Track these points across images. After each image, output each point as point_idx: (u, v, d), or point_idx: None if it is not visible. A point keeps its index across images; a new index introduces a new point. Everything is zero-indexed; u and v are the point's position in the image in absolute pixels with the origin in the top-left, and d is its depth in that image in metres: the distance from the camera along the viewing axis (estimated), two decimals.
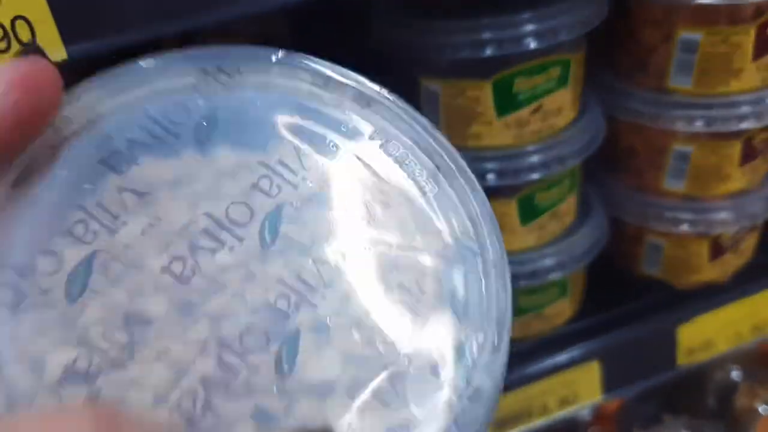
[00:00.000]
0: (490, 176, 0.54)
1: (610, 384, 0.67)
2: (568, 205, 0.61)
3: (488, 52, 0.49)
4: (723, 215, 0.62)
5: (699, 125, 0.57)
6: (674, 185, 0.62)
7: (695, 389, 0.94)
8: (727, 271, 0.67)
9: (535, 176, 0.55)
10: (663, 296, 0.69)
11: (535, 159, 0.55)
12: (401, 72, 0.56)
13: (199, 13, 0.38)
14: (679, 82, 0.57)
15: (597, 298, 0.69)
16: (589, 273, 0.67)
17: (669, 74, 0.57)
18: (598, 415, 0.92)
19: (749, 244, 0.67)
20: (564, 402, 0.67)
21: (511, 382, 0.63)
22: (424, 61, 0.53)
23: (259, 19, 0.43)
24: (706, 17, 0.54)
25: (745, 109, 0.57)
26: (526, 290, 0.61)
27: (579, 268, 0.62)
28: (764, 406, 0.88)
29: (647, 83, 0.59)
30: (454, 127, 0.55)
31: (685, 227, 0.62)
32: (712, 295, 0.68)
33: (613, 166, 0.66)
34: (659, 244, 0.66)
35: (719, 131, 0.57)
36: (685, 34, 0.55)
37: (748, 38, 0.55)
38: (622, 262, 0.71)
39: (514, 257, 0.60)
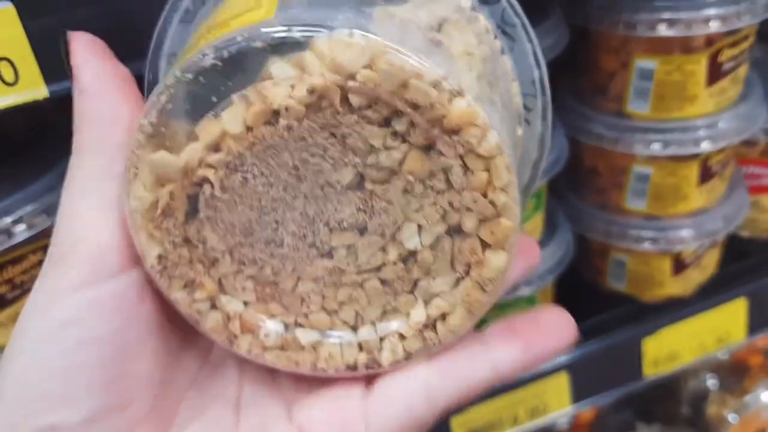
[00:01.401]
0: None
1: (578, 394, 0.70)
2: (535, 224, 0.63)
3: None
4: (683, 233, 0.65)
5: (656, 148, 0.60)
6: (636, 204, 0.65)
7: (669, 398, 0.97)
8: (690, 285, 0.70)
9: None
10: (629, 309, 0.72)
11: None
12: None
13: None
14: (637, 107, 0.60)
15: (566, 310, 0.71)
16: (558, 286, 0.70)
17: (627, 99, 0.60)
18: (575, 424, 0.94)
19: (711, 259, 0.70)
20: (534, 412, 0.69)
21: (480, 394, 0.66)
22: None
23: None
24: (661, 47, 0.57)
25: (700, 133, 0.60)
26: (495, 305, 0.64)
27: (546, 283, 0.64)
28: (733, 414, 0.91)
29: (607, 107, 0.62)
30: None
31: (647, 245, 0.65)
32: (676, 308, 0.71)
33: (578, 185, 0.69)
34: (623, 260, 0.69)
35: (676, 154, 0.60)
36: (641, 63, 0.58)
37: (700, 66, 0.57)
38: (590, 276, 0.73)
39: None
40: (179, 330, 0.29)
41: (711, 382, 0.99)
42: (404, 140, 0.24)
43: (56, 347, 0.24)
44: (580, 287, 0.74)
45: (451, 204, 0.25)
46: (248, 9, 0.25)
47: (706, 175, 0.63)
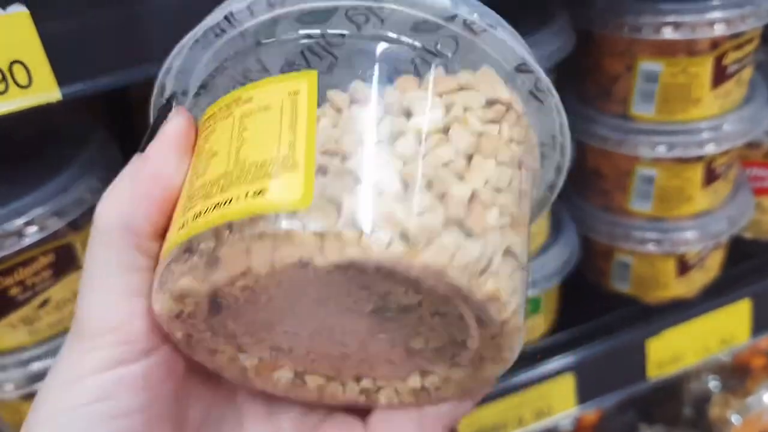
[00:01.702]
0: None
1: (583, 396, 0.70)
2: (540, 226, 0.63)
3: None
4: (688, 234, 0.65)
5: (661, 150, 0.60)
6: (640, 206, 0.65)
7: (672, 399, 0.97)
8: (694, 286, 0.70)
9: None
10: (633, 311, 0.72)
11: None
12: None
13: None
14: (642, 110, 0.61)
15: (570, 312, 0.72)
16: (562, 288, 0.70)
17: (632, 102, 0.61)
18: (579, 426, 0.94)
19: (715, 260, 0.70)
20: (539, 414, 0.69)
21: (486, 396, 0.66)
22: None
23: None
24: (666, 49, 0.57)
25: (705, 135, 0.60)
26: None
27: (551, 285, 0.64)
28: (737, 415, 0.91)
29: (612, 110, 0.62)
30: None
31: (651, 246, 0.65)
32: (680, 310, 0.71)
33: (583, 187, 0.69)
34: (627, 262, 0.69)
35: (681, 156, 0.60)
36: (646, 65, 0.58)
37: (705, 69, 0.58)
38: (594, 277, 0.74)
39: None
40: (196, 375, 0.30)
41: (713, 384, 0.99)
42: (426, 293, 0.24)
43: (83, 421, 0.25)
44: (584, 289, 0.74)
45: (460, 331, 0.26)
46: (272, 166, 0.24)
47: (710, 177, 0.63)
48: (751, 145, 0.71)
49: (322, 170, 0.23)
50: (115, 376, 0.25)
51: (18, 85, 0.39)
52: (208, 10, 0.28)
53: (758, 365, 0.96)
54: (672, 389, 0.97)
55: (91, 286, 0.26)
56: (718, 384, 1.00)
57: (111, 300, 0.26)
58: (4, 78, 0.39)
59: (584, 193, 0.69)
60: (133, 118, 0.66)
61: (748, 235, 0.77)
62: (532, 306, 0.66)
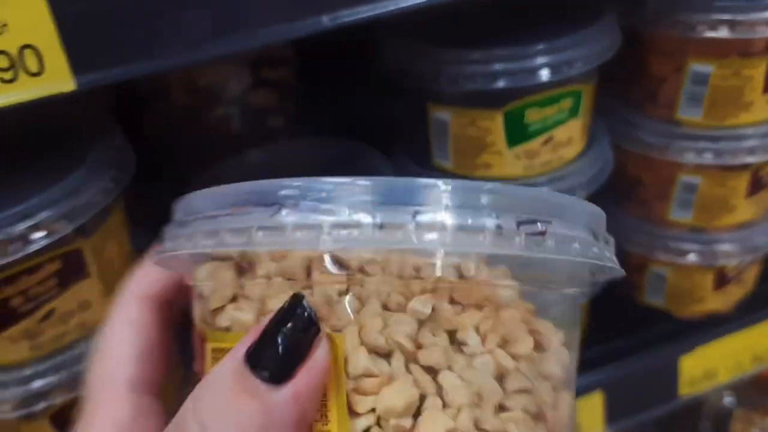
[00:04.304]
0: None
1: (612, 415, 0.66)
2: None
3: (501, 83, 0.49)
4: (728, 246, 0.61)
5: (708, 157, 0.57)
6: (681, 216, 0.62)
7: (690, 416, 0.94)
8: (730, 301, 0.67)
9: None
10: (664, 326, 0.68)
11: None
12: (410, 98, 0.55)
13: (207, 45, 0.36)
14: (689, 114, 0.57)
15: (599, 327, 0.68)
16: (592, 303, 0.66)
17: (679, 105, 0.57)
18: None
19: (752, 274, 0.67)
20: None
21: None
22: (433, 90, 0.52)
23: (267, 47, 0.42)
24: (718, 50, 0.54)
25: (753, 142, 0.56)
26: None
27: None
28: None
29: (656, 114, 0.58)
30: (464, 156, 0.54)
31: (690, 258, 0.62)
32: (712, 325, 0.68)
33: (619, 195, 0.65)
34: (663, 274, 0.65)
35: (728, 164, 0.57)
36: (697, 66, 0.55)
37: (759, 71, 0.54)
38: (625, 291, 0.70)
39: None
40: None
41: (727, 400, 0.97)
42: None
43: None
44: (615, 302, 0.70)
45: None
46: None
47: (755, 187, 0.60)
48: None
49: None
50: None
51: (28, 72, 0.35)
52: None
53: None
54: (691, 406, 0.93)
55: None
56: (733, 400, 0.97)
57: None
58: (13, 64, 0.34)
59: (620, 201, 0.66)
60: (144, 115, 0.61)
61: None
62: None
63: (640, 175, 0.62)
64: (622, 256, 0.64)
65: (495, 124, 0.51)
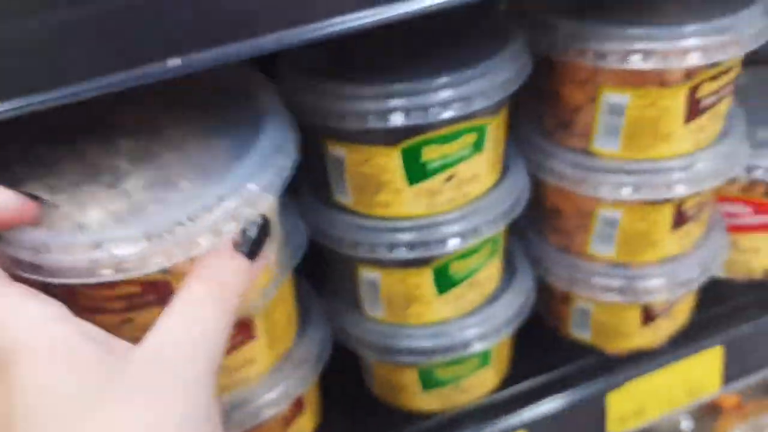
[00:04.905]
0: (401, 248, 0.50)
1: None
2: (489, 272, 0.56)
3: (393, 122, 0.45)
4: (654, 282, 0.58)
5: (626, 192, 0.53)
6: (602, 250, 0.58)
7: None
8: (661, 336, 0.64)
9: (448, 248, 0.50)
10: (592, 361, 0.65)
11: (448, 229, 0.50)
12: (308, 133, 0.51)
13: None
14: (606, 145, 0.53)
15: (524, 362, 0.65)
16: (516, 335, 0.63)
17: (594, 137, 0.54)
18: None
19: (684, 308, 0.64)
20: None
21: None
22: (327, 126, 0.48)
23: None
24: (634, 79, 0.50)
25: (676, 175, 0.53)
26: (444, 363, 0.57)
27: (502, 338, 0.57)
28: None
29: (572, 144, 0.55)
30: (362, 193, 0.50)
31: (613, 295, 0.59)
32: (644, 360, 0.65)
33: (541, 226, 0.62)
34: (587, 309, 0.62)
35: (648, 198, 0.53)
36: (611, 96, 0.51)
37: (678, 101, 0.51)
38: (553, 323, 0.67)
39: (430, 329, 0.55)
40: None
41: (685, 424, 0.94)
42: None
43: None
44: (542, 336, 0.67)
45: None
46: None
47: (680, 220, 0.57)
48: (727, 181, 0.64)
49: None
50: None
51: None
52: None
53: (730, 405, 0.91)
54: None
55: None
56: (690, 424, 0.95)
57: None
58: None
59: (543, 232, 0.62)
60: None
61: (722, 274, 0.71)
62: (482, 359, 0.59)
63: (559, 206, 0.59)
64: (546, 285, 0.61)
65: (391, 161, 0.48)
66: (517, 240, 0.63)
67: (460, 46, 0.50)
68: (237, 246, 0.34)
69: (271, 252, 0.41)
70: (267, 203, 0.36)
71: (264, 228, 0.35)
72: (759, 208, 0.65)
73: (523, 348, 0.65)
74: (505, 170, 0.55)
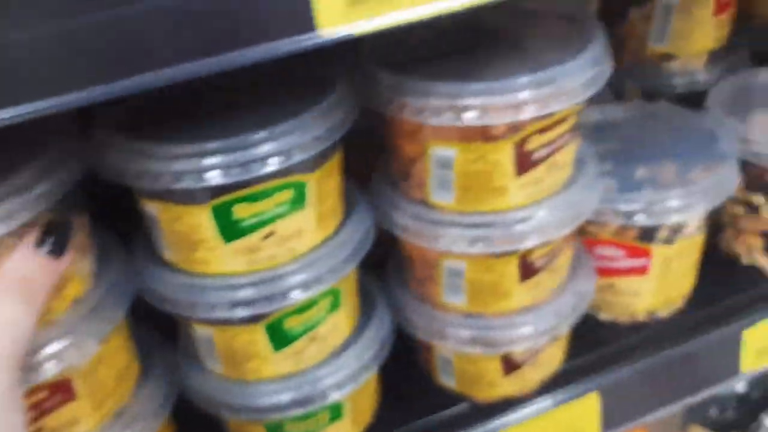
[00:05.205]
0: (223, 306, 0.49)
1: None
2: (333, 325, 0.55)
3: (189, 183, 0.44)
4: (507, 333, 0.57)
5: (463, 245, 0.52)
6: (453, 300, 0.57)
7: None
8: (528, 384, 0.62)
9: (274, 305, 0.49)
10: (465, 408, 0.64)
11: (273, 287, 0.49)
12: (127, 189, 0.50)
13: None
14: (441, 198, 0.53)
15: (393, 410, 0.64)
16: (386, 379, 0.62)
17: (429, 189, 0.53)
18: None
19: (552, 354, 0.63)
20: None
21: None
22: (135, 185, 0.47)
23: None
24: (459, 134, 0.49)
25: (516, 228, 0.52)
26: (289, 419, 0.56)
27: (357, 387, 0.56)
28: None
29: (413, 196, 0.54)
30: (180, 251, 0.49)
31: (468, 346, 0.57)
32: (518, 407, 0.63)
33: (403, 275, 0.61)
34: (449, 358, 0.61)
35: (485, 252, 0.52)
36: (439, 150, 0.50)
37: (505, 155, 0.50)
38: (424, 369, 0.66)
39: (269, 386, 0.54)
40: None
41: None
42: None
43: None
44: (413, 381, 0.66)
45: None
46: None
47: (528, 272, 0.55)
48: (598, 224, 0.63)
49: None
50: None
51: None
52: None
53: None
54: None
55: None
56: None
57: None
58: None
59: (402, 279, 0.61)
60: None
61: (603, 316, 0.70)
62: (332, 413, 0.58)
63: (411, 255, 0.58)
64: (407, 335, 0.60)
65: (202, 220, 0.47)
66: (377, 286, 0.62)
67: (281, 95, 0.50)
68: (39, 243, 0.39)
69: (78, 258, 0.45)
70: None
71: (65, 228, 0.41)
72: (631, 252, 0.64)
73: (391, 397, 0.64)
74: (346, 218, 0.54)
